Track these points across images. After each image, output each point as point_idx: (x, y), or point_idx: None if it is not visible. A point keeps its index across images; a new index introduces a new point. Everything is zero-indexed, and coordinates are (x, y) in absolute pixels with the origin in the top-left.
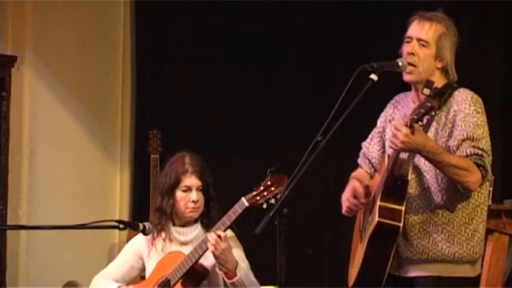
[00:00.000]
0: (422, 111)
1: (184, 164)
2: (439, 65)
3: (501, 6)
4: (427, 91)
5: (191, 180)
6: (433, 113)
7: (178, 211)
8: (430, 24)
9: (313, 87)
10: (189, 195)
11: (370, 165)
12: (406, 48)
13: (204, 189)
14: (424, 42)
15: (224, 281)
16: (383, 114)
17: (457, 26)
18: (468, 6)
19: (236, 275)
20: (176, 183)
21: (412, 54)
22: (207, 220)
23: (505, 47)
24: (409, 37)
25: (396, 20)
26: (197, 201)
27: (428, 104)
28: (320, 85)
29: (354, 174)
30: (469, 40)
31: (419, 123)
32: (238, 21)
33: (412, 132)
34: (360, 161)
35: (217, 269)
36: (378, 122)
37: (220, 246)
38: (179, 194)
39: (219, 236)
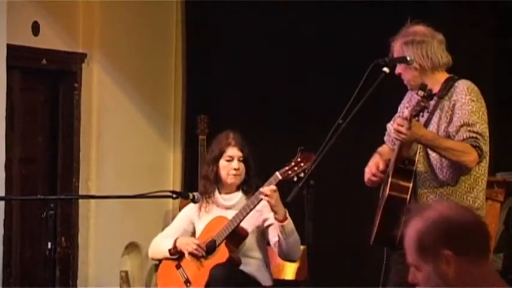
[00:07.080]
0: (418, 108)
1: (228, 139)
2: (425, 64)
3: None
4: (421, 93)
5: (233, 151)
6: (427, 111)
7: (221, 178)
8: (393, 45)
9: (337, 83)
10: (231, 164)
11: (393, 142)
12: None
13: (244, 160)
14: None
15: (259, 242)
16: (403, 101)
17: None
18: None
19: (287, 219)
20: (221, 154)
21: (400, 74)
22: (247, 187)
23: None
24: None
25: None
26: (238, 169)
27: (422, 104)
28: (341, 79)
29: (379, 149)
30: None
31: (416, 118)
32: (280, 19)
33: (410, 127)
34: (385, 138)
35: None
36: (399, 108)
37: (274, 196)
38: (223, 163)
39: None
